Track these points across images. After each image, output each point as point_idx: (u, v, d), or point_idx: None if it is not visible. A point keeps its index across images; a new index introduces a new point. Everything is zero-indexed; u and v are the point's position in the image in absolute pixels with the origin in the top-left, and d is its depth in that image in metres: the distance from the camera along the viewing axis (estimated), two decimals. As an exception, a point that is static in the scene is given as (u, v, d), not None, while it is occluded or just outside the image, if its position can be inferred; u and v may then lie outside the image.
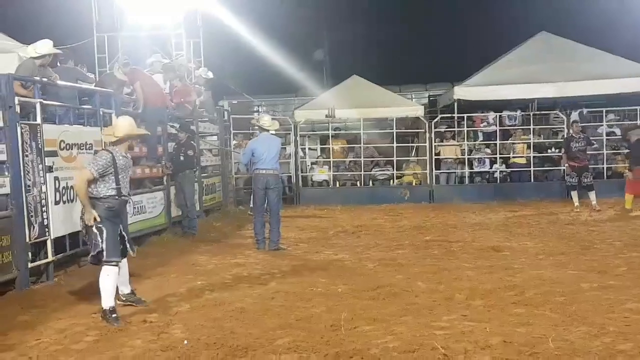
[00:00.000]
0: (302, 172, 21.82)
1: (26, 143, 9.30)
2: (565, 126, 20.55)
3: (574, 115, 21.01)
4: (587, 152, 17.72)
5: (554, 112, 21.51)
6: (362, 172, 21.60)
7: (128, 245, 8.06)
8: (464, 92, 21.18)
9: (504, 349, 6.15)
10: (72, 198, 10.35)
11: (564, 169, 18.22)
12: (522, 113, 22.04)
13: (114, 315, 7.54)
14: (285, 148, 20.95)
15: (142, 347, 6.63)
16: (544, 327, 6.83)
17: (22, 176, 9.19)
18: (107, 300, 7.59)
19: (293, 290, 9.00)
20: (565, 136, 19.39)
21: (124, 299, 8.31)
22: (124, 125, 7.94)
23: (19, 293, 8.96)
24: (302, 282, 9.56)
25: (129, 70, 13.91)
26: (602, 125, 21.13)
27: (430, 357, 6.02)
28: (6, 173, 9.05)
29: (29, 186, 9.31)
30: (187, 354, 6.33)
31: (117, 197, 7.82)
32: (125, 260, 8.17)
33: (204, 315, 7.78)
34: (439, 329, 6.87)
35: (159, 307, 8.25)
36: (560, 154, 18.99)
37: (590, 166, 17.88)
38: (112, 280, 7.68)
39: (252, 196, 13.64)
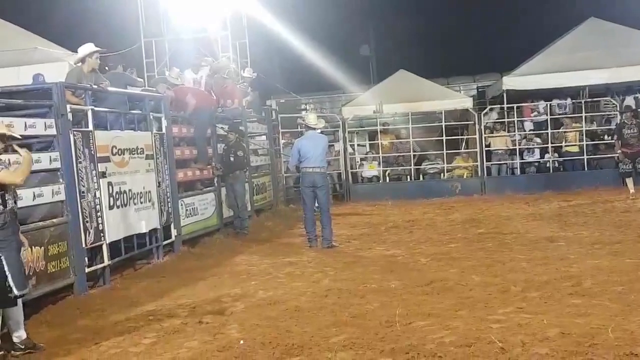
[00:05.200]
0: (351, 169, 21.77)
1: (79, 150, 9.45)
2: (617, 112, 20.14)
3: (629, 100, 20.57)
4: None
5: (605, 98, 21.11)
6: (412, 167, 21.50)
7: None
8: (513, 82, 20.83)
9: (562, 341, 6.06)
10: (125, 202, 10.51)
11: (617, 156, 17.89)
12: (573, 101, 21.67)
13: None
14: (333, 145, 20.94)
15: (199, 348, 6.69)
16: (603, 317, 6.72)
17: (77, 182, 9.35)
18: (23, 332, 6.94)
19: (346, 287, 8.99)
20: (617, 123, 19.02)
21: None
22: None
23: (77, 298, 9.10)
24: (355, 279, 9.54)
25: (177, 88, 14.10)
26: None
27: (487, 351, 5.95)
28: (61, 180, 9.17)
29: (83, 192, 9.45)
30: (243, 354, 6.37)
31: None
32: None
33: (259, 315, 7.81)
34: (495, 323, 6.80)
35: (214, 307, 8.31)
36: (613, 140, 18.66)
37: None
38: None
39: (300, 194, 13.66)
